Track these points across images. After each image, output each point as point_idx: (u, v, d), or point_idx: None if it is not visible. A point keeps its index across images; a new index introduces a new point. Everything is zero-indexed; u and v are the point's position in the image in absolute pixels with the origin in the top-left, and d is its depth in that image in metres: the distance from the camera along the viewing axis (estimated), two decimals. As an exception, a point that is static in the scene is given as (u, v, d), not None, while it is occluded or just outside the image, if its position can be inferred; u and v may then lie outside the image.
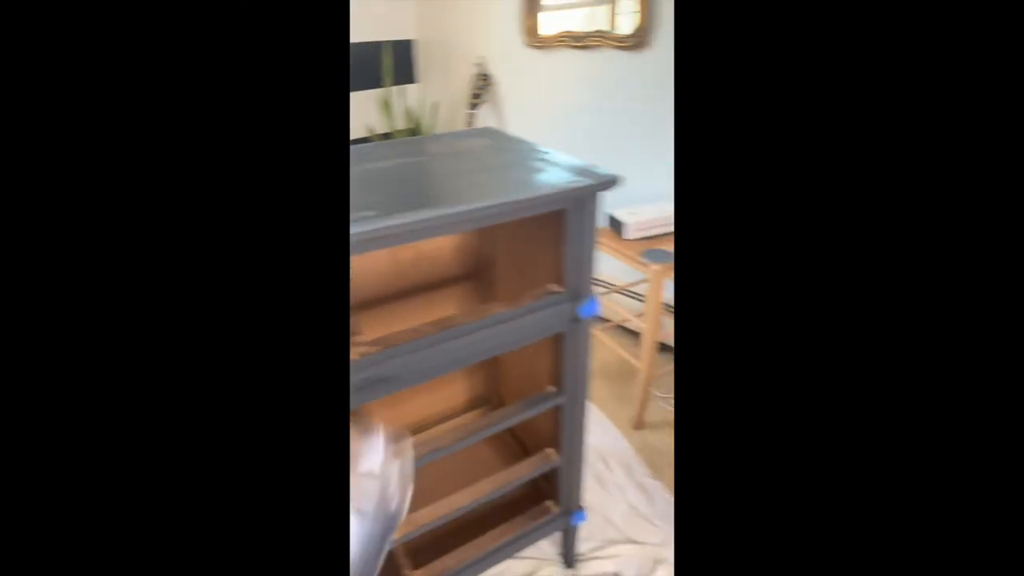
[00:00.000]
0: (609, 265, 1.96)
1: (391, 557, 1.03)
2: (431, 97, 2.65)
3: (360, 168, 0.86)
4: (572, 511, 1.14)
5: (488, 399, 1.42)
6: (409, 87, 2.73)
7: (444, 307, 1.22)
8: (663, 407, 1.74)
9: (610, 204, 1.64)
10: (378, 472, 0.61)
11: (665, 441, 1.61)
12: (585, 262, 0.84)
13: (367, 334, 0.77)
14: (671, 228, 1.57)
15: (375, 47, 2.54)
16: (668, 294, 1.94)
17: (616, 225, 1.57)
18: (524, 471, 1.04)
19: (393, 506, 0.60)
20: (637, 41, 1.67)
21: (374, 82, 2.58)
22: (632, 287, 1.89)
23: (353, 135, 2.58)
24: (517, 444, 1.31)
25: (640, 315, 1.64)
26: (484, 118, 2.39)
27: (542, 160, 0.88)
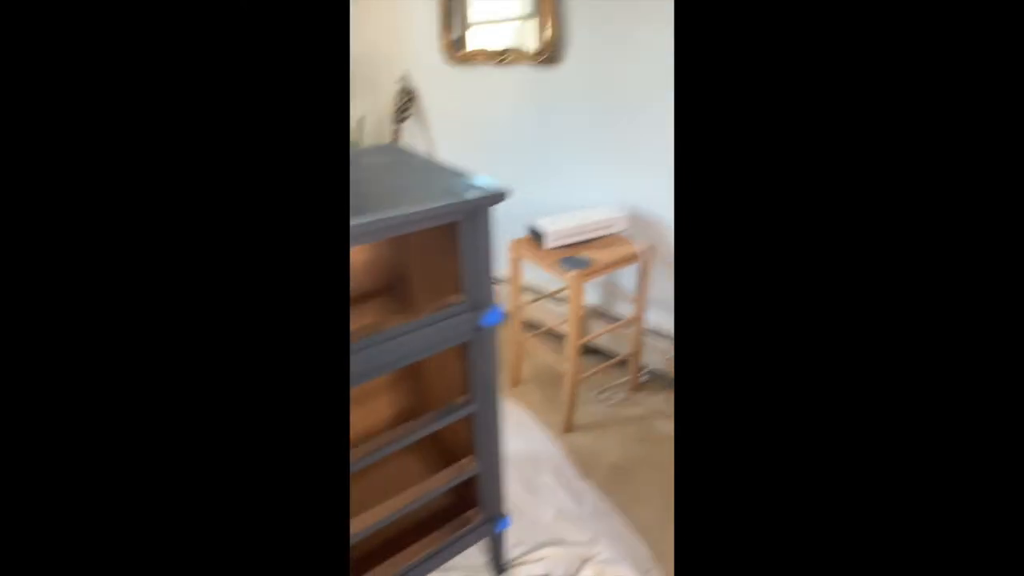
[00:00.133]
0: (538, 273, 2.00)
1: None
2: (357, 112, 2.64)
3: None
4: (496, 518, 1.16)
5: (414, 412, 1.42)
6: (335, 103, 2.70)
7: (358, 321, 1.22)
8: (593, 410, 1.79)
9: (531, 215, 1.69)
10: None
11: (594, 443, 1.66)
12: (483, 272, 0.87)
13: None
14: (588, 236, 1.62)
15: (297, 63, 2.50)
16: (592, 298, 2.00)
17: (536, 235, 1.61)
18: (441, 482, 1.05)
19: None
20: (549, 56, 1.73)
21: (298, 98, 2.53)
22: (559, 293, 1.94)
23: (278, 152, 2.53)
24: (443, 456, 1.31)
25: (566, 320, 1.69)
26: (409, 133, 2.41)
27: (439, 175, 0.90)
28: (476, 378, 0.96)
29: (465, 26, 1.95)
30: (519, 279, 1.72)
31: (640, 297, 1.67)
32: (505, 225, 1.99)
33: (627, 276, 1.87)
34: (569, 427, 1.69)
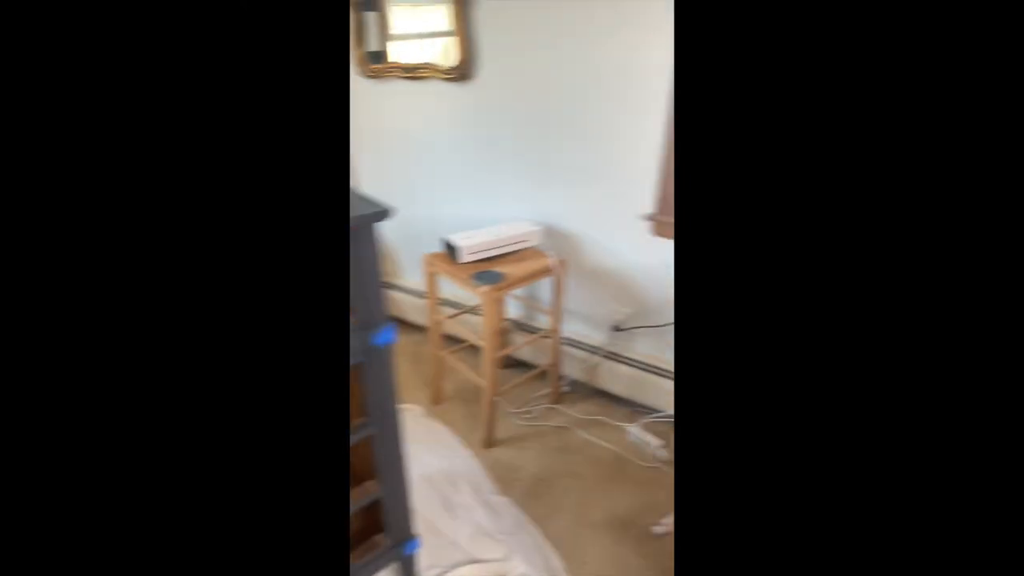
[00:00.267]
0: (455, 288, 1.99)
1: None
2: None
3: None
4: (404, 541, 1.13)
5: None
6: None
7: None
8: (515, 423, 1.79)
9: (445, 230, 1.68)
10: None
11: (515, 456, 1.66)
12: (371, 291, 0.85)
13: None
14: (503, 250, 1.64)
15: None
16: (515, 310, 2.01)
17: (451, 250, 1.61)
18: (342, 507, 1.02)
19: None
20: (461, 73, 1.74)
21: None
22: (479, 308, 1.94)
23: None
24: (356, 481, 1.27)
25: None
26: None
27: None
28: (372, 399, 0.94)
29: (386, 39, 1.93)
30: (436, 294, 1.71)
31: (555, 309, 1.69)
32: (428, 241, 1.97)
33: (547, 289, 1.89)
34: (490, 442, 1.68)
